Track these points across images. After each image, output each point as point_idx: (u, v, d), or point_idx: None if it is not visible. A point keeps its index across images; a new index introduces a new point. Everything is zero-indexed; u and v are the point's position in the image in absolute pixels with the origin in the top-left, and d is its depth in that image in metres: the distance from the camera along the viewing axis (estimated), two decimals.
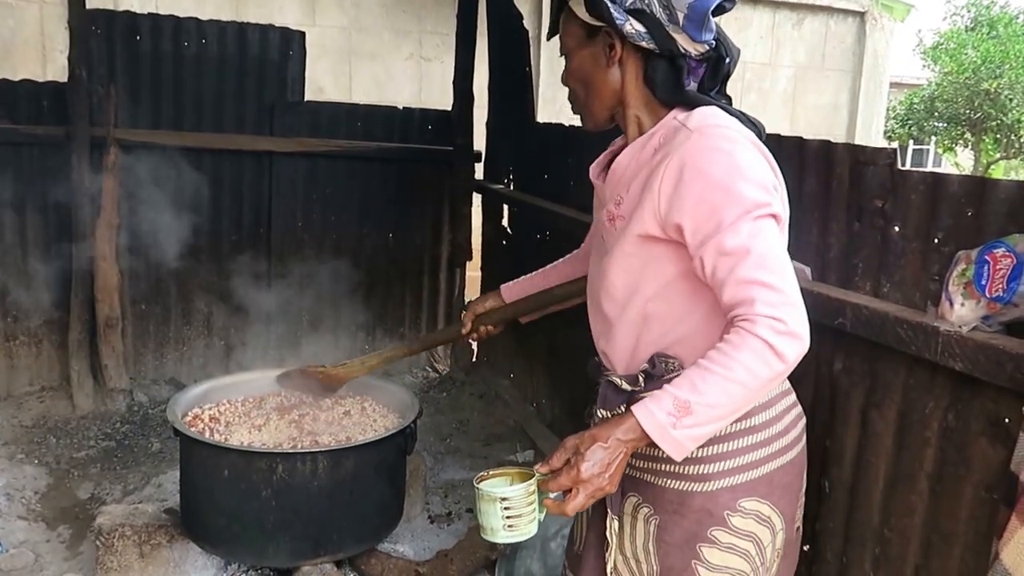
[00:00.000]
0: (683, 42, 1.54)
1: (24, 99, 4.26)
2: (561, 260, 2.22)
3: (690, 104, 1.57)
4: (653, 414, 1.42)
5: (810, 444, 1.76)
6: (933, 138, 18.20)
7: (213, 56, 4.56)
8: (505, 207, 4.84)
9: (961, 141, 16.93)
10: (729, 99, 1.63)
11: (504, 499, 1.52)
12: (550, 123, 4.30)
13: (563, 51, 1.68)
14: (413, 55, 8.53)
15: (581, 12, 1.58)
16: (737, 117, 1.56)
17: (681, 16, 1.51)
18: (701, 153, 1.47)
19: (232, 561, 2.88)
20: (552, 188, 4.11)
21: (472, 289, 5.38)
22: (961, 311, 1.72)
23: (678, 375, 1.50)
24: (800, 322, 1.41)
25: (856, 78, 11.97)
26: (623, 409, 1.68)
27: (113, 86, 4.29)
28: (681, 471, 1.62)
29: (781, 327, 1.38)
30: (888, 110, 15.56)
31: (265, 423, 2.89)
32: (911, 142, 19.57)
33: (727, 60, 1.59)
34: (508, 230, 4.84)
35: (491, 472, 1.63)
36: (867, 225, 2.03)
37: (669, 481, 1.64)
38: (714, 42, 1.56)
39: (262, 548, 2.70)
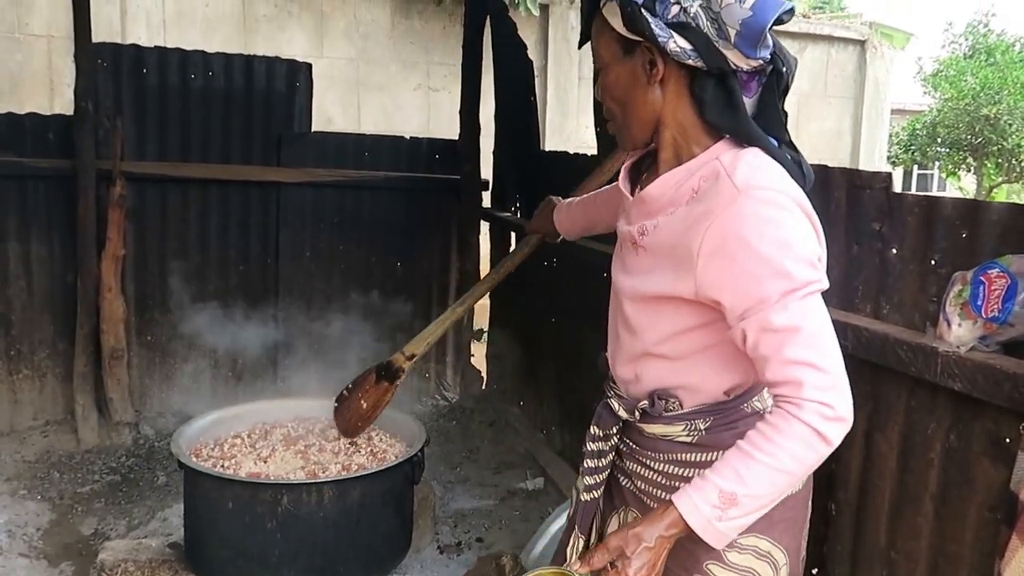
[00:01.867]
0: (734, 58, 1.37)
1: (31, 132, 4.27)
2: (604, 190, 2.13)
3: (738, 137, 1.42)
4: (698, 508, 1.35)
5: (816, 467, 1.73)
6: (936, 163, 18.23)
7: (220, 88, 4.57)
8: (513, 235, 4.81)
9: (964, 166, 16.98)
10: (786, 115, 1.48)
11: None
12: (555, 151, 4.29)
13: (596, 62, 1.54)
14: (421, 86, 8.58)
15: (617, 24, 1.42)
16: (785, 162, 1.41)
17: (733, 32, 1.34)
18: (747, 222, 1.32)
19: None
20: None
21: (480, 316, 5.35)
22: (959, 331, 1.74)
23: (676, 414, 1.50)
24: (847, 405, 1.33)
25: (858, 105, 12.01)
26: (615, 432, 1.66)
27: (119, 119, 4.30)
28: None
29: (829, 412, 1.31)
30: (891, 136, 15.60)
31: (271, 454, 2.85)
32: (915, 167, 19.61)
33: (784, 71, 1.42)
34: None
35: (536, 571, 1.58)
36: (866, 248, 2.05)
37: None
38: (770, 56, 1.39)
39: None
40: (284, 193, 4.74)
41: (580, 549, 1.75)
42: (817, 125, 11.47)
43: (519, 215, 4.75)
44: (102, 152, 4.25)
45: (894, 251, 1.96)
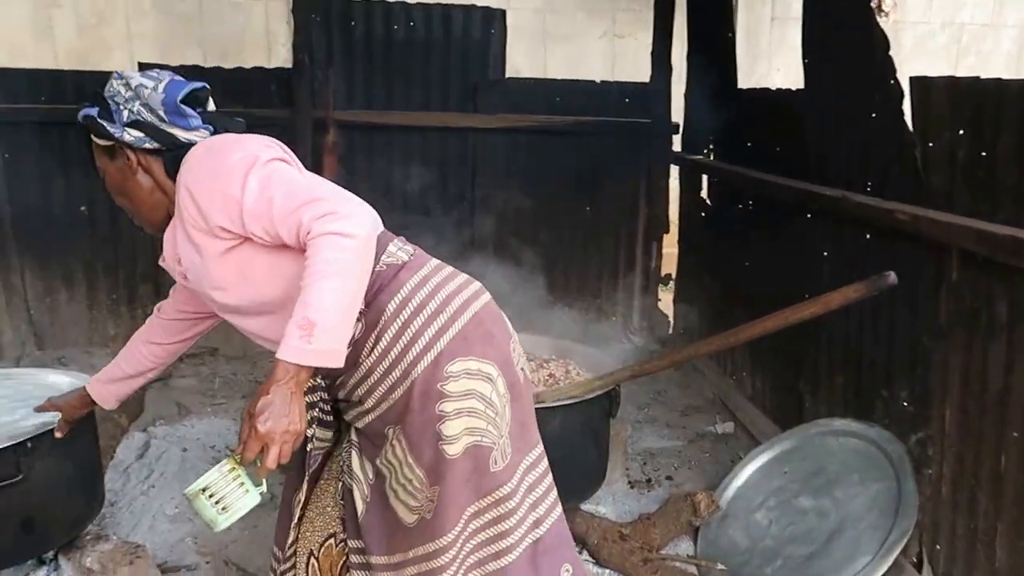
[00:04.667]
0: (180, 134, 1.76)
1: (255, 85, 4.64)
2: (140, 340, 2.22)
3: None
4: (288, 345, 1.52)
5: (364, 262, 1.67)
6: None
7: (420, 38, 4.77)
8: (704, 178, 4.76)
9: None
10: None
11: (204, 489, 1.59)
12: (755, 88, 4.18)
13: (99, 175, 1.87)
14: (606, 33, 8.49)
15: (95, 137, 1.79)
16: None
17: (162, 113, 1.74)
18: (189, 167, 1.69)
19: None
20: (756, 156, 4.00)
21: (669, 263, 5.35)
22: None
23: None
24: (344, 205, 1.58)
25: None
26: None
27: (331, 70, 4.58)
28: (393, 377, 1.72)
29: (332, 217, 1.55)
30: None
31: None
32: None
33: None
34: (707, 201, 4.75)
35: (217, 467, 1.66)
36: None
37: (394, 393, 1.73)
38: (211, 127, 1.78)
39: None
40: (479, 139, 4.90)
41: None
42: None
43: (712, 157, 4.69)
44: (317, 102, 4.55)
45: None
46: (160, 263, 1.89)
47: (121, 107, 1.76)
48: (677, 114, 5.05)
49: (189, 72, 4.52)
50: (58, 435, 2.37)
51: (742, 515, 3.02)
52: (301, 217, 1.57)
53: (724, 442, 3.94)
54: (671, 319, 5.22)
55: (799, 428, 3.20)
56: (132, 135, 1.75)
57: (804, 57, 3.39)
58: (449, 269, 1.86)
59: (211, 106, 1.82)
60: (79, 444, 2.58)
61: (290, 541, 1.92)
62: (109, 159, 1.82)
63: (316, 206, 1.57)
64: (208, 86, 1.82)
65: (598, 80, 5.16)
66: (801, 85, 3.47)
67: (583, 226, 5.12)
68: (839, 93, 3.13)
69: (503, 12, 4.91)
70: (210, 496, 1.59)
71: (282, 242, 1.63)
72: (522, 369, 1.87)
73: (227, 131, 1.80)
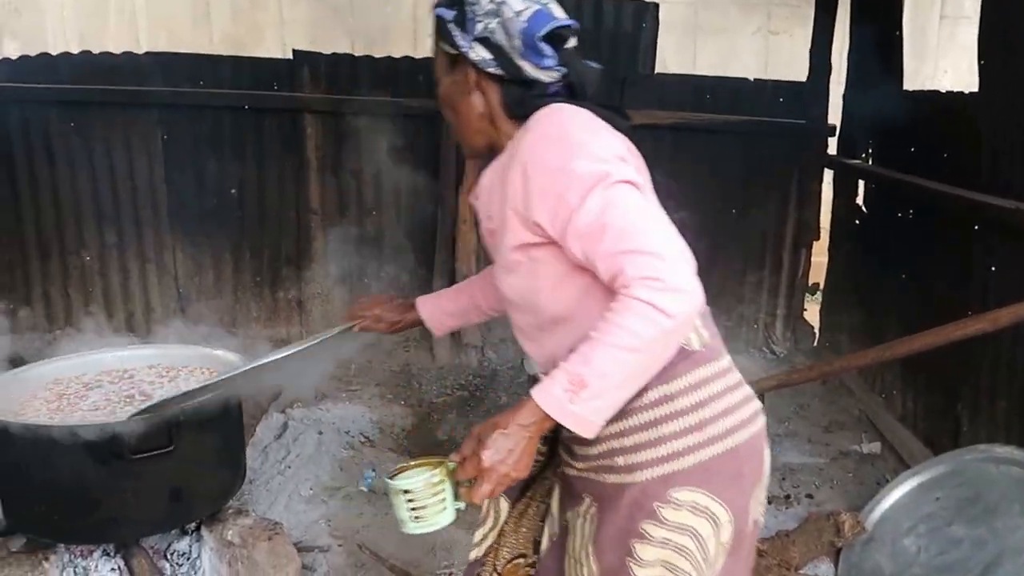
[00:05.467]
0: (529, 69, 1.54)
1: (404, 74, 4.74)
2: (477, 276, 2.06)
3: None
4: (549, 392, 1.37)
5: (670, 343, 1.46)
6: None
7: None
8: (861, 183, 4.52)
9: None
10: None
11: (407, 491, 1.51)
12: (923, 91, 3.93)
13: (435, 78, 1.71)
14: (760, 29, 8.25)
15: (440, 41, 1.62)
16: (592, 109, 1.54)
17: (518, 42, 1.52)
18: (536, 144, 1.48)
19: None
20: (920, 162, 3.77)
21: (816, 272, 5.12)
22: None
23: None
24: (678, 275, 1.35)
25: None
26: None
27: None
28: (614, 463, 1.53)
29: (659, 285, 1.34)
30: None
31: None
32: None
33: (580, 83, 1.58)
34: (863, 208, 4.52)
35: (412, 463, 1.58)
36: None
37: (607, 476, 1.55)
38: (561, 68, 1.56)
39: None
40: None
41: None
42: None
43: (870, 162, 4.45)
44: None
45: None
46: (470, 199, 1.76)
47: (477, 19, 1.55)
48: (833, 115, 4.83)
49: (341, 60, 4.72)
50: (356, 330, 2.14)
51: (888, 540, 2.89)
52: (624, 266, 1.36)
53: (870, 462, 3.74)
54: (816, 330, 5.00)
55: (954, 453, 3.01)
56: (478, 54, 1.55)
57: (980, 58, 3.17)
58: (736, 376, 1.61)
59: (571, 43, 1.61)
60: (226, 419, 2.69)
61: (488, 544, 1.86)
62: (448, 68, 1.63)
63: (646, 262, 1.36)
64: (577, 23, 1.62)
65: (751, 78, 4.98)
66: (974, 87, 3.25)
67: (727, 228, 4.96)
68: (1020, 97, 2.90)
69: (656, 6, 4.81)
70: (409, 500, 1.54)
71: (591, 268, 1.45)
72: (755, 521, 1.63)
73: (582, 82, 1.60)
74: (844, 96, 4.74)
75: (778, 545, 2.81)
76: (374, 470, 3.49)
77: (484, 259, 4.89)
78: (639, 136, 5.04)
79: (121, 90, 4.57)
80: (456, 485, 1.52)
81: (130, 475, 2.37)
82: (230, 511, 2.74)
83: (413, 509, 1.53)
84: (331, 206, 4.86)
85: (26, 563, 2.40)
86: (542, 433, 1.46)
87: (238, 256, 4.95)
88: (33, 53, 4.63)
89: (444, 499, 1.53)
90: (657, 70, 5.03)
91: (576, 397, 1.38)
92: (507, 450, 1.44)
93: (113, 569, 2.54)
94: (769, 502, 3.31)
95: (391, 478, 1.57)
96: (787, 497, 3.39)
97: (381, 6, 6.44)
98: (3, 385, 2.55)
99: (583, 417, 1.40)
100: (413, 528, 1.55)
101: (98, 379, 2.72)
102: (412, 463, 1.60)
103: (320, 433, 3.73)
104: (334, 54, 4.73)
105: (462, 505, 1.54)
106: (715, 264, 4.98)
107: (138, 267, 4.87)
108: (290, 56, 4.75)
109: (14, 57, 4.64)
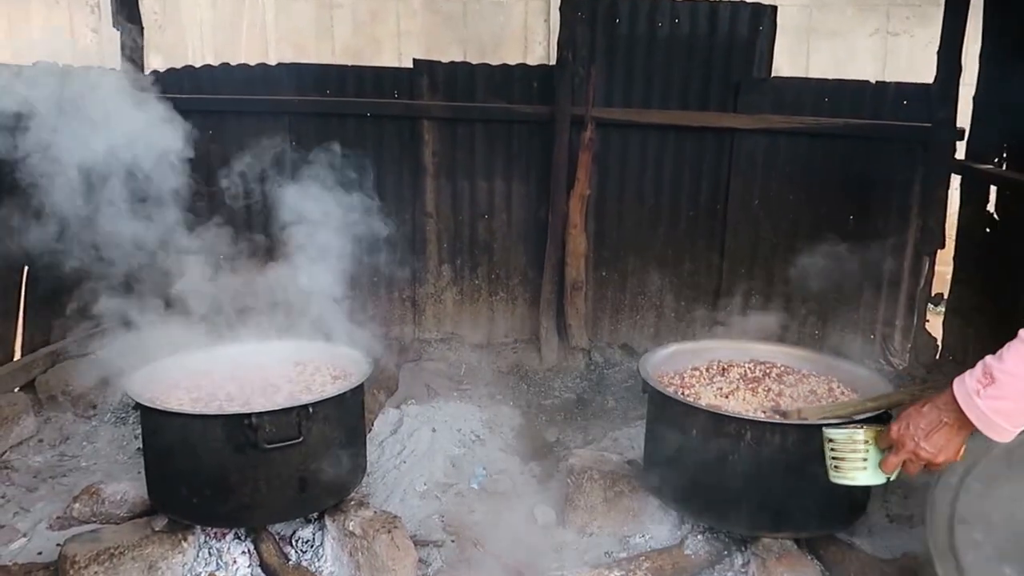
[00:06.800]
0: None
1: (518, 81, 4.78)
2: None
3: None
4: (964, 381, 1.36)
5: None
6: None
7: (684, 35, 4.69)
8: (993, 190, 4.32)
9: None
10: None
11: (830, 440, 1.72)
12: None
13: None
14: (879, 30, 8.00)
15: None
16: None
17: None
18: None
19: (688, 520, 2.96)
20: None
21: (939, 282, 4.91)
22: None
23: None
24: None
25: None
26: None
27: (593, 67, 4.62)
28: None
29: None
30: None
31: (733, 391, 2.91)
32: None
33: None
34: (995, 216, 4.31)
35: (859, 419, 1.83)
36: None
37: None
38: None
39: (722, 512, 2.74)
40: (737, 140, 4.74)
41: None
42: None
43: (1004, 167, 4.24)
44: (576, 99, 4.61)
45: None
46: None
47: None
48: (961, 119, 4.62)
49: (459, 68, 4.80)
50: None
51: None
52: None
53: None
54: (939, 343, 4.79)
55: None
56: None
57: None
58: None
59: None
60: (350, 413, 2.78)
61: None
62: None
63: None
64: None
65: (872, 80, 4.82)
66: None
67: (845, 235, 4.79)
68: None
69: (774, 8, 4.71)
70: (832, 449, 1.74)
71: None
72: None
73: None
74: (974, 98, 4.53)
75: (906, 568, 2.70)
76: (484, 468, 3.54)
77: (594, 264, 4.88)
78: (754, 142, 4.95)
79: (258, 99, 4.80)
80: (882, 453, 1.65)
81: (263, 464, 2.48)
82: (352, 503, 2.83)
83: (834, 459, 1.73)
84: (445, 209, 4.94)
85: (167, 542, 2.53)
86: (964, 426, 1.45)
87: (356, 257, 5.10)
88: (176, 66, 4.89)
89: (866, 459, 1.67)
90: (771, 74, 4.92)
91: (984, 391, 1.39)
92: (918, 427, 1.48)
93: (243, 552, 2.65)
94: (890, 520, 3.23)
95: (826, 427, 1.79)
96: (911, 517, 3.24)
97: (494, 16, 6.53)
98: (147, 375, 2.70)
99: (984, 414, 1.39)
100: (831, 477, 1.76)
101: (234, 373, 2.85)
102: (859, 419, 1.88)
103: (434, 430, 3.79)
104: (452, 62, 4.81)
105: (893, 475, 1.68)
106: (830, 271, 4.83)
107: None
108: (408, 65, 4.87)
109: (161, 70, 4.89)
